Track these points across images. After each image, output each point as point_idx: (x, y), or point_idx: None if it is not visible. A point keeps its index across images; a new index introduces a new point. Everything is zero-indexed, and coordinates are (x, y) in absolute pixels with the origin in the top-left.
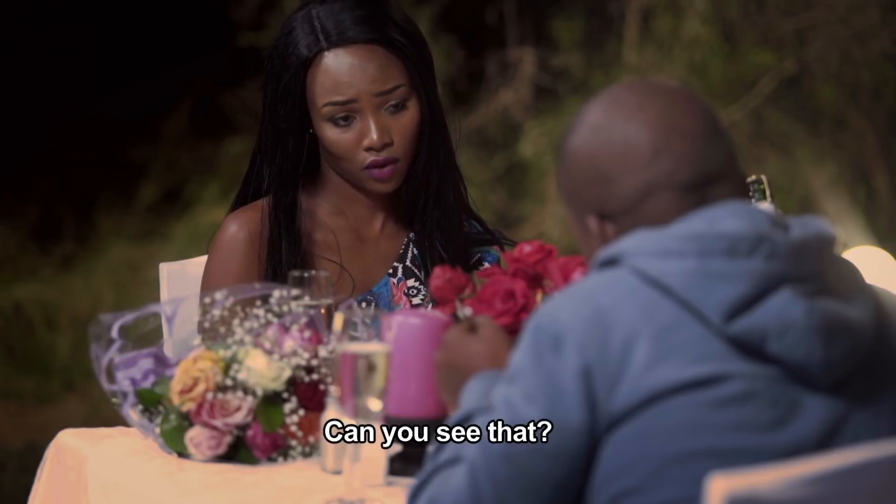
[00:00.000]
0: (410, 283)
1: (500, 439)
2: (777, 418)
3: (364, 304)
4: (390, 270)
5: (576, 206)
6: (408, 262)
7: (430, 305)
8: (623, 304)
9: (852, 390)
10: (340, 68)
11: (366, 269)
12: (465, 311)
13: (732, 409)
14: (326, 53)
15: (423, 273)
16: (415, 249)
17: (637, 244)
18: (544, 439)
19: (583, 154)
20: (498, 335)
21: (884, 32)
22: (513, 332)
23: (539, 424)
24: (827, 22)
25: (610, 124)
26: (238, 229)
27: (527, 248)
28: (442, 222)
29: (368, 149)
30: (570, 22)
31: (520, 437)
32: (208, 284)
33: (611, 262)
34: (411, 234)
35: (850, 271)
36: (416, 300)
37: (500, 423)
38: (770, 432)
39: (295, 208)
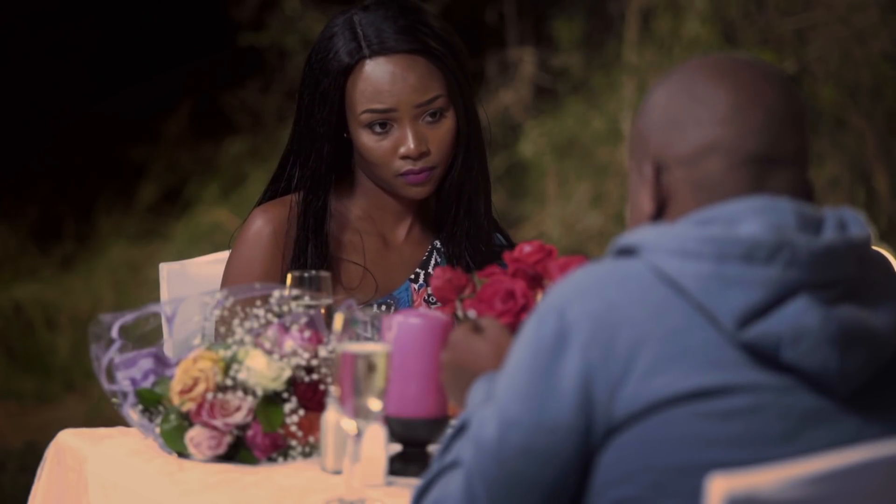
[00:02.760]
0: (431, 289)
1: (493, 437)
2: (786, 431)
3: (384, 308)
4: (412, 276)
5: (639, 152)
6: (430, 270)
7: None
8: (635, 300)
9: (872, 400)
10: (381, 77)
11: (388, 274)
12: (471, 313)
13: (739, 422)
14: (368, 61)
15: None
16: (438, 257)
17: (656, 238)
18: (533, 441)
19: (662, 98)
20: (503, 335)
21: (884, 32)
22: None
23: (527, 424)
24: (827, 22)
25: (697, 79)
26: (264, 224)
27: (527, 248)
28: (471, 232)
29: (405, 157)
30: (570, 22)
31: (511, 435)
32: (231, 278)
33: (627, 252)
34: (436, 242)
35: (884, 273)
36: (435, 307)
37: (493, 420)
38: (778, 445)
39: (325, 212)
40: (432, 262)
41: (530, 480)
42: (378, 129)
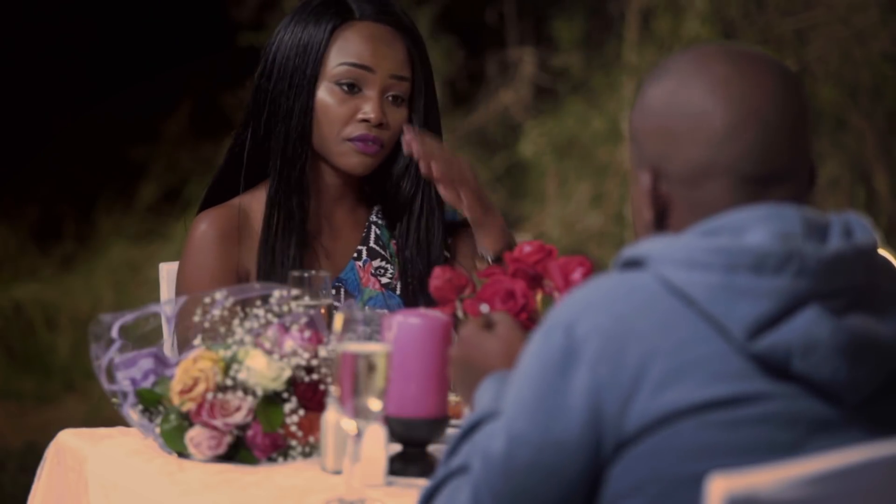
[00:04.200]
0: (377, 263)
1: (500, 452)
2: (794, 439)
3: (333, 293)
4: (355, 254)
5: (636, 154)
6: (371, 244)
7: (398, 284)
8: (643, 313)
9: (880, 409)
10: (367, 36)
11: (333, 260)
12: (483, 308)
13: (747, 430)
14: (357, 22)
15: (388, 252)
16: (377, 230)
17: (663, 250)
18: (541, 457)
19: (657, 107)
20: (514, 332)
21: (884, 32)
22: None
23: (535, 440)
24: (827, 22)
25: (692, 89)
26: (208, 227)
27: (527, 248)
28: (422, 236)
29: (363, 121)
30: (570, 22)
31: (518, 451)
32: (182, 284)
33: (634, 264)
34: (372, 217)
35: (890, 279)
36: (384, 279)
37: (501, 435)
38: (787, 454)
39: (304, 173)
40: (371, 236)
41: (538, 495)
42: (345, 88)
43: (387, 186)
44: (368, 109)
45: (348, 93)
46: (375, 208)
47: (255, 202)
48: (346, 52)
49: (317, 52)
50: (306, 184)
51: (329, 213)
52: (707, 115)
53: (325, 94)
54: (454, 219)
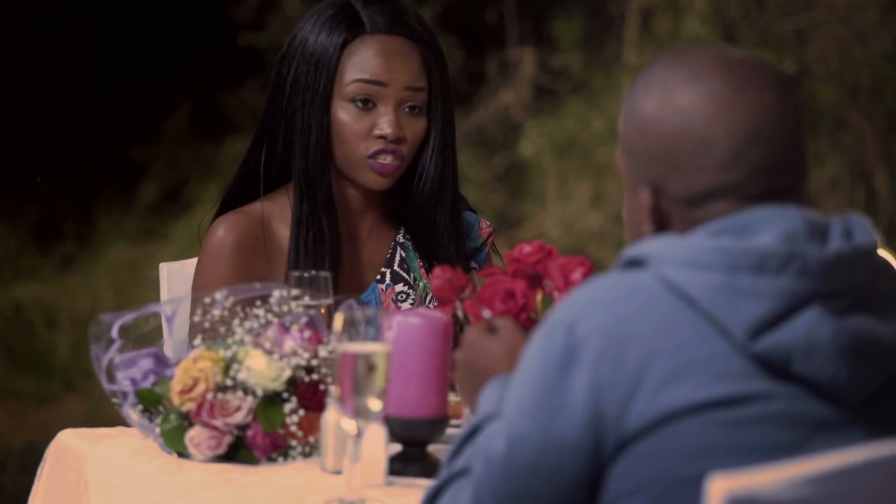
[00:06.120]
0: (399, 288)
1: (501, 453)
2: (796, 439)
3: None
4: (378, 276)
5: (632, 168)
6: (396, 267)
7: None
8: (644, 313)
9: (880, 408)
10: (380, 50)
11: (354, 276)
12: (485, 313)
13: (750, 430)
14: (368, 37)
15: (411, 276)
16: (402, 252)
17: (665, 249)
18: (542, 457)
19: (654, 126)
20: (517, 336)
21: (884, 32)
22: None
23: (536, 440)
24: (827, 22)
25: (693, 113)
26: (226, 233)
27: (527, 248)
28: (450, 236)
29: (380, 137)
30: (570, 22)
31: (519, 451)
32: (198, 289)
33: (635, 263)
34: (398, 237)
35: (890, 280)
36: (404, 306)
37: (502, 435)
38: (789, 454)
39: (331, 187)
40: (396, 258)
41: (539, 496)
42: (360, 104)
43: (409, 202)
44: (385, 125)
45: (363, 109)
46: (402, 229)
47: (275, 208)
48: (358, 68)
49: (328, 69)
50: (333, 202)
51: (353, 226)
52: (709, 141)
53: (340, 112)
54: (473, 242)
